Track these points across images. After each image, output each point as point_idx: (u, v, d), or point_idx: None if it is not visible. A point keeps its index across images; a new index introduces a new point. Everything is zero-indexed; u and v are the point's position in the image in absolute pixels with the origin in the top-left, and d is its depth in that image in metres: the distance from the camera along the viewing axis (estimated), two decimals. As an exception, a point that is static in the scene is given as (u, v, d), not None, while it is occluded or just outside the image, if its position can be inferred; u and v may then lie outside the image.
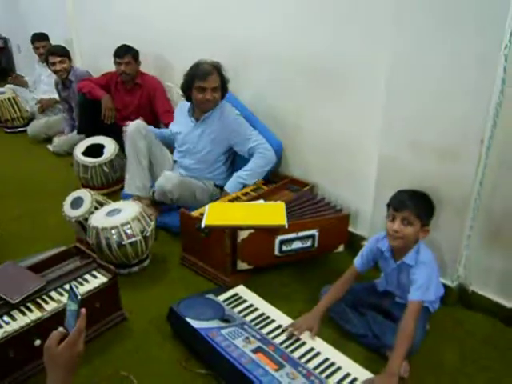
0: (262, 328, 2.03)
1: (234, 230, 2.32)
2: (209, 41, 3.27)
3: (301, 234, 2.40)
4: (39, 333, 1.86)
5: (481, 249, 2.17)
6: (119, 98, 3.96)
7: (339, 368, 1.83)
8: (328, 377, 1.78)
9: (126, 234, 2.42)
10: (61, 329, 1.26)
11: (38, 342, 1.87)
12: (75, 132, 4.28)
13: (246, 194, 2.79)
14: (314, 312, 2.06)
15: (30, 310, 1.94)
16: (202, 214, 2.46)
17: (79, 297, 1.24)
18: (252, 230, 2.32)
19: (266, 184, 2.92)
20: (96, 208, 2.65)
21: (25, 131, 4.79)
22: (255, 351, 1.87)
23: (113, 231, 2.41)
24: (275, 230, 2.35)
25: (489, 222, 2.12)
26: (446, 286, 2.20)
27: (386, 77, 2.21)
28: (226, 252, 2.36)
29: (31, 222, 3.11)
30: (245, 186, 2.84)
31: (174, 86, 3.91)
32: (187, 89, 2.86)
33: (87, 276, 2.14)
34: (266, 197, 2.71)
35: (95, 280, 2.11)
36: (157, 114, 3.82)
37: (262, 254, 2.40)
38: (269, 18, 2.84)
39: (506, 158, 1.98)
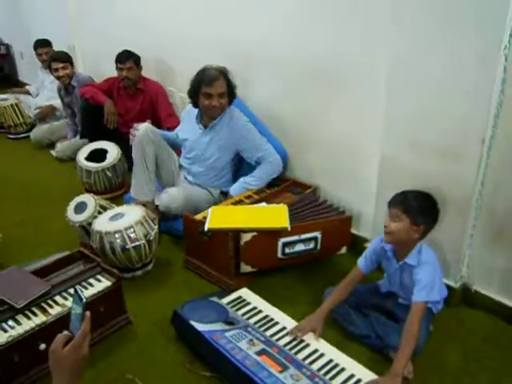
0: (265, 330, 2.03)
1: (237, 233, 2.33)
2: (210, 44, 3.29)
3: (303, 236, 2.41)
4: (44, 337, 1.86)
5: (483, 248, 2.18)
6: (121, 103, 3.98)
7: (343, 369, 1.83)
8: (332, 378, 1.79)
9: (129, 237, 2.42)
10: (66, 332, 1.26)
11: (42, 346, 1.88)
12: (78, 137, 4.31)
13: (248, 196, 2.80)
14: (318, 314, 2.06)
15: (34, 314, 1.95)
16: (205, 218, 2.47)
17: (84, 300, 1.24)
18: (255, 233, 2.33)
19: (269, 187, 2.93)
20: (99, 212, 2.66)
21: (28, 137, 4.81)
22: (259, 353, 1.87)
23: (116, 235, 2.42)
24: (278, 233, 2.36)
25: (491, 222, 2.12)
26: (449, 287, 2.20)
27: (386, 77, 2.21)
28: (230, 255, 2.37)
29: (35, 227, 3.12)
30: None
31: (176, 91, 3.93)
32: (194, 95, 2.82)
33: (91, 280, 2.14)
34: (269, 199, 2.72)
35: (99, 284, 2.12)
36: (159, 119, 3.83)
37: (265, 257, 2.41)
38: (269, 20, 2.85)
39: (507, 158, 1.99)
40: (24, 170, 4.17)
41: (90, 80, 4.40)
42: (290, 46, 2.76)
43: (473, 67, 1.91)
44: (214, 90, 2.73)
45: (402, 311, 2.00)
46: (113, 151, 3.58)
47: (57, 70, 4.20)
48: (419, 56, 2.06)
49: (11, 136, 5.00)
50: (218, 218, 2.43)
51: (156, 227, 2.56)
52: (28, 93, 5.43)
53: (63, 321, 1.87)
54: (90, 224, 2.59)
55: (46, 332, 1.86)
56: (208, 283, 2.50)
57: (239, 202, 2.73)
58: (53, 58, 4.26)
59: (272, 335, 2.00)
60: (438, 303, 2.06)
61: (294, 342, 1.97)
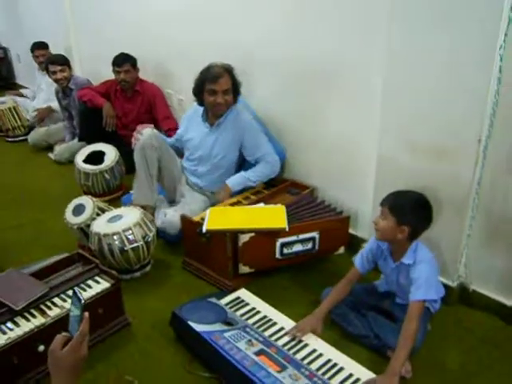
0: (264, 330, 2.04)
1: (235, 234, 2.33)
2: (208, 46, 3.29)
3: (301, 236, 2.41)
4: (43, 339, 1.87)
5: (481, 247, 2.19)
6: (119, 105, 3.99)
7: (342, 369, 1.84)
8: (331, 378, 1.79)
9: (127, 239, 2.43)
10: (65, 333, 1.27)
11: (41, 348, 1.88)
12: (76, 140, 4.31)
13: (246, 197, 2.80)
14: (317, 314, 2.07)
15: (33, 316, 1.95)
16: (202, 219, 2.48)
17: (83, 301, 1.24)
18: (253, 234, 2.33)
19: (267, 188, 2.93)
20: (98, 214, 2.66)
21: (26, 140, 4.81)
22: (258, 353, 1.88)
23: (115, 237, 2.43)
24: (276, 233, 2.37)
25: (488, 221, 2.13)
26: (446, 286, 2.21)
27: (382, 76, 2.22)
28: (228, 256, 2.37)
29: (33, 230, 3.13)
30: (245, 187, 2.86)
31: (173, 93, 3.94)
32: (199, 92, 2.81)
33: (90, 282, 2.15)
34: (267, 200, 2.72)
35: (98, 285, 2.13)
36: (156, 121, 3.83)
37: (263, 257, 2.41)
38: (267, 21, 2.86)
39: (503, 158, 1.99)
40: (22, 172, 4.18)
41: (87, 83, 4.41)
42: (288, 47, 2.76)
43: (469, 67, 1.91)
44: (218, 87, 2.72)
45: (400, 311, 2.01)
46: (111, 153, 3.58)
47: (55, 72, 4.20)
48: (416, 55, 2.06)
49: (9, 139, 5.01)
50: (215, 219, 2.44)
51: (154, 229, 2.57)
52: (22, 95, 5.44)
53: (62, 322, 1.87)
54: (88, 226, 2.59)
55: (45, 334, 1.86)
56: (206, 284, 2.50)
57: (237, 203, 2.73)
58: (50, 60, 4.27)
59: (270, 335, 2.01)
60: (436, 302, 2.06)
61: (293, 342, 1.97)
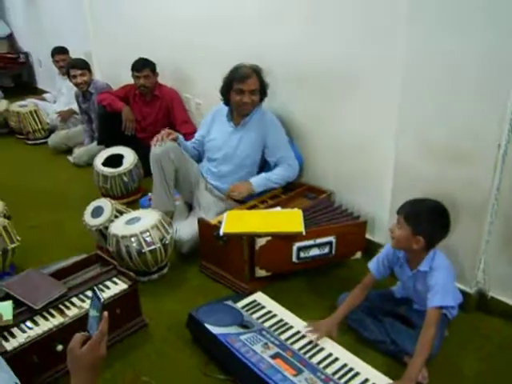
0: (280, 334, 2.04)
1: (251, 238, 2.34)
2: (225, 50, 3.32)
3: (318, 240, 2.41)
4: (61, 338, 1.89)
5: (499, 254, 2.16)
6: (138, 109, 4.03)
7: (358, 373, 1.83)
8: (347, 382, 1.79)
9: (145, 241, 2.45)
10: (83, 333, 1.28)
11: (59, 348, 1.90)
12: (95, 143, 4.36)
13: (263, 201, 2.81)
14: (333, 318, 2.07)
15: (52, 315, 1.98)
16: (220, 222, 2.49)
17: (102, 300, 1.25)
18: (270, 237, 2.34)
19: (284, 192, 2.94)
20: (116, 216, 2.69)
21: (46, 143, 4.89)
22: (274, 357, 1.88)
23: (132, 239, 2.45)
24: (293, 237, 2.37)
25: (507, 227, 2.11)
26: (464, 293, 2.19)
27: (401, 77, 2.21)
28: (245, 259, 2.38)
29: (53, 231, 3.17)
30: (266, 189, 2.86)
31: (191, 97, 3.96)
32: (226, 92, 2.84)
33: (108, 282, 2.17)
34: (284, 204, 2.73)
35: (116, 286, 2.15)
36: (174, 125, 3.85)
37: (279, 261, 2.42)
38: (284, 26, 2.86)
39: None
40: (42, 174, 4.23)
41: (107, 87, 4.46)
42: (307, 50, 2.76)
43: (490, 71, 1.90)
44: (246, 87, 2.75)
45: (417, 317, 2.00)
46: (129, 156, 3.62)
47: (75, 76, 4.27)
48: (435, 57, 2.05)
49: (30, 142, 5.08)
50: (233, 222, 2.45)
51: (172, 231, 2.59)
52: (45, 99, 5.54)
53: (80, 322, 1.90)
54: (106, 228, 2.62)
55: (64, 333, 1.88)
56: (223, 287, 2.51)
57: (254, 207, 2.74)
58: (71, 64, 4.34)
59: (286, 339, 2.00)
60: (453, 308, 2.04)
61: (309, 346, 1.97)
